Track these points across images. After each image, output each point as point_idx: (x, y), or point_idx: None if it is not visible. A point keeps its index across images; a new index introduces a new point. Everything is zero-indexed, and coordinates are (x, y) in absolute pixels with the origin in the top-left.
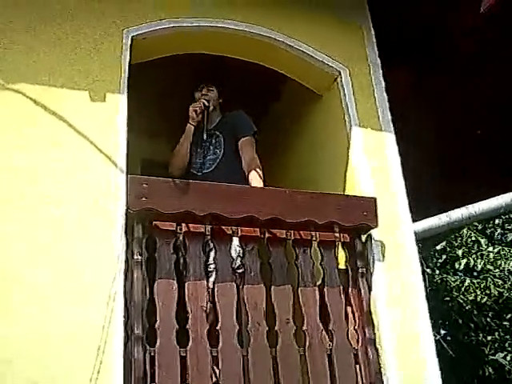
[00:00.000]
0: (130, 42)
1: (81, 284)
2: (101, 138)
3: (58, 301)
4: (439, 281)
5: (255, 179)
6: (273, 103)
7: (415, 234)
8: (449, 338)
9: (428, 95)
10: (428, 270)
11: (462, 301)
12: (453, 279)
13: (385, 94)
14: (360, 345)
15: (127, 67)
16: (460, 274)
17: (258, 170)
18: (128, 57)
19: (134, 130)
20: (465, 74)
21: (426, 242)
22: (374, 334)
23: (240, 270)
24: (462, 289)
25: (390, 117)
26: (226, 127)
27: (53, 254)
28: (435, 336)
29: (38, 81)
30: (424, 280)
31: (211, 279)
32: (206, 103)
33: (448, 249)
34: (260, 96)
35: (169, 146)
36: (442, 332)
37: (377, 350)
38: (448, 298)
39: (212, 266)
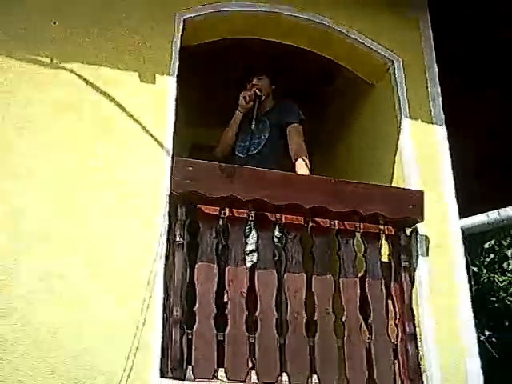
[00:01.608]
0: (181, 25)
1: (122, 264)
2: (149, 119)
3: (99, 280)
4: (486, 280)
5: (302, 167)
6: (324, 91)
7: (462, 230)
8: (494, 340)
9: (482, 105)
10: (474, 269)
11: (509, 302)
12: (500, 279)
13: (438, 87)
14: (399, 340)
15: (178, 50)
16: (508, 274)
17: (304, 157)
18: (179, 39)
19: (184, 115)
20: None
21: (473, 240)
22: (415, 329)
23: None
24: (510, 290)
25: (442, 109)
26: (274, 114)
27: (95, 234)
28: (479, 336)
29: (89, 61)
30: (469, 278)
31: (248, 264)
32: (259, 92)
33: (496, 248)
34: (312, 84)
35: (218, 131)
36: (487, 333)
37: (417, 346)
38: (494, 299)
39: (249, 249)
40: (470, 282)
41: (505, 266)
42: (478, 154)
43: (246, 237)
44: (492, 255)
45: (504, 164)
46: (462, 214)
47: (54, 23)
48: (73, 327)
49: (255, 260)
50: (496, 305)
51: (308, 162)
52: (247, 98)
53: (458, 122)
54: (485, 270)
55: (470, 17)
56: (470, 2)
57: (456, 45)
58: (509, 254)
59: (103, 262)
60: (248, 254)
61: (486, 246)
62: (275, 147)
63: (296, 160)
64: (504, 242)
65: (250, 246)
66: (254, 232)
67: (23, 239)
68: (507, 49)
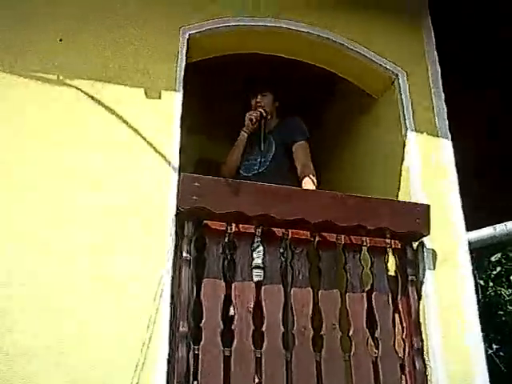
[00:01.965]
0: (186, 40)
1: (128, 280)
2: (155, 135)
3: (105, 294)
4: (492, 293)
5: (309, 185)
6: (327, 105)
7: (469, 243)
8: (501, 354)
9: (482, 105)
10: (481, 282)
11: None
12: (507, 293)
13: (443, 99)
14: (407, 354)
15: (183, 65)
16: None
17: (311, 176)
18: (184, 55)
19: (189, 129)
20: None
21: (480, 253)
22: (422, 344)
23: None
24: None
25: (447, 122)
26: (280, 132)
27: (102, 249)
28: (487, 350)
29: (94, 77)
30: (476, 292)
31: (256, 279)
32: (264, 113)
33: (503, 261)
34: (314, 98)
35: (223, 145)
36: (494, 347)
37: (424, 360)
38: (501, 312)
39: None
40: (477, 295)
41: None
42: (478, 154)
43: (252, 252)
44: (499, 268)
45: (504, 164)
46: (470, 226)
47: (60, 40)
48: (79, 344)
49: (261, 277)
50: (503, 318)
51: (315, 180)
52: (253, 120)
53: (459, 122)
54: (491, 284)
55: (470, 17)
56: (470, 3)
57: (456, 45)
58: None
59: (110, 278)
60: (254, 269)
61: (493, 259)
62: (281, 165)
63: (303, 178)
64: (511, 255)
65: (256, 262)
66: (260, 248)
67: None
68: (507, 49)
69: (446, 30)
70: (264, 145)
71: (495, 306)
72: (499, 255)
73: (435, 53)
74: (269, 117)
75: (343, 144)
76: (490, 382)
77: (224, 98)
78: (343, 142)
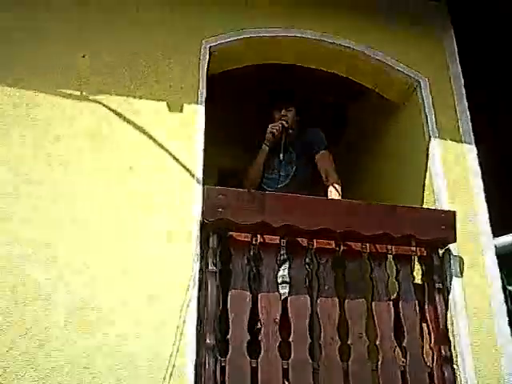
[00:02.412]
0: (208, 53)
1: (155, 292)
2: (178, 148)
3: (132, 308)
4: None
5: (334, 194)
6: (349, 114)
7: (496, 249)
8: None
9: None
10: (510, 288)
11: None
12: None
13: (466, 105)
14: (435, 363)
15: (205, 77)
16: None
17: (336, 185)
18: (206, 67)
19: (211, 140)
20: None
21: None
22: (451, 352)
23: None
24: None
25: (471, 128)
26: (300, 144)
27: (130, 262)
28: None
29: (118, 92)
30: (505, 298)
31: (281, 291)
32: (286, 124)
33: None
34: (336, 107)
35: (245, 155)
36: None
37: (453, 369)
38: None
39: (281, 279)
40: (506, 301)
41: None
42: (504, 159)
43: (279, 266)
44: None
45: None
46: (497, 232)
47: (83, 56)
48: (107, 357)
49: (287, 293)
50: None
51: (340, 189)
52: (276, 133)
53: (484, 136)
54: None
55: (493, 30)
56: (494, 15)
57: (480, 58)
58: None
59: (137, 290)
60: (281, 284)
61: None
62: (304, 178)
63: (328, 187)
64: None
65: (282, 278)
66: (286, 263)
67: (58, 269)
68: None
69: (470, 42)
70: (285, 156)
71: None
72: None
73: (458, 60)
74: (290, 131)
75: (366, 153)
76: None
77: (246, 108)
78: (366, 150)
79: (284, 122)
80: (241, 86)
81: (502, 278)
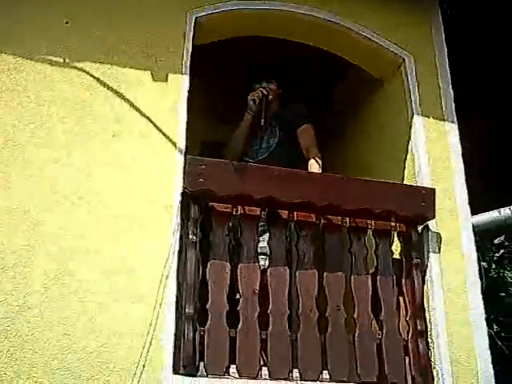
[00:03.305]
0: (193, 24)
1: (135, 261)
2: (161, 118)
3: (111, 278)
4: (495, 276)
5: (314, 167)
6: (333, 89)
7: (473, 227)
8: (503, 335)
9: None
10: (484, 264)
11: None
12: (510, 275)
13: (450, 83)
14: (410, 336)
15: (190, 49)
16: None
17: (317, 158)
18: (191, 38)
19: (194, 112)
20: None
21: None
22: (426, 326)
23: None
24: None
25: (453, 107)
26: (283, 118)
27: (107, 232)
28: (489, 332)
29: (101, 60)
30: (480, 274)
31: (262, 262)
32: (265, 92)
33: (507, 243)
34: (320, 82)
35: (228, 128)
36: (496, 328)
37: (427, 342)
38: (503, 294)
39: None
40: (480, 278)
41: None
42: (484, 137)
43: (260, 236)
44: (502, 250)
45: (510, 148)
46: (474, 210)
47: (67, 23)
48: (86, 325)
49: (266, 265)
50: (506, 300)
51: (320, 163)
52: (256, 100)
53: (467, 115)
54: (494, 266)
55: (481, 10)
56: None
57: (466, 38)
58: None
59: (115, 260)
60: (260, 255)
61: (496, 241)
62: (285, 151)
63: (308, 160)
64: None
65: (262, 248)
66: (265, 234)
67: (39, 239)
68: None
69: (457, 21)
70: (267, 130)
71: (498, 289)
72: (502, 238)
73: (443, 38)
74: (270, 97)
75: (349, 127)
76: (492, 363)
77: (230, 81)
78: (349, 125)
79: (263, 90)
80: (225, 59)
81: (477, 255)
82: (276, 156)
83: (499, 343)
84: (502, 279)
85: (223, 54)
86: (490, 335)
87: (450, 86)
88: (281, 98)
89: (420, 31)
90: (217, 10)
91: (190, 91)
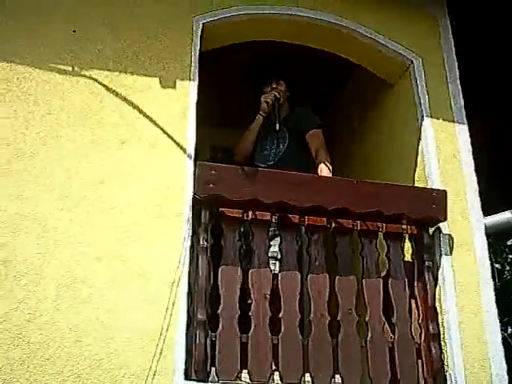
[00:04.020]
0: (200, 29)
1: (147, 267)
2: (170, 125)
3: (124, 283)
4: (509, 277)
5: (324, 171)
6: (342, 92)
7: (486, 228)
8: None
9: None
10: (497, 266)
11: None
12: None
13: (459, 84)
14: (423, 339)
15: (198, 54)
16: None
17: (327, 163)
18: (198, 44)
19: (203, 117)
20: None
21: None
22: (438, 329)
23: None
24: None
25: (463, 108)
26: (292, 122)
27: (120, 238)
28: (502, 334)
29: (109, 67)
30: (493, 276)
31: (272, 267)
32: (278, 95)
33: None
34: (329, 84)
35: (237, 133)
36: (510, 330)
37: (440, 345)
38: None
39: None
40: (493, 279)
41: None
42: (495, 139)
43: (270, 240)
44: None
45: None
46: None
47: (74, 32)
48: (98, 330)
49: (277, 269)
50: None
51: (330, 167)
52: (269, 102)
53: (477, 116)
54: (507, 267)
55: (489, 11)
56: None
57: (474, 39)
58: None
59: (128, 266)
60: (271, 259)
61: (509, 242)
62: (295, 156)
63: (318, 164)
64: None
65: (273, 253)
66: (276, 238)
67: (50, 247)
68: None
69: (465, 23)
70: (279, 130)
71: (510, 290)
72: None
73: (451, 40)
74: (281, 100)
75: (359, 131)
76: (506, 365)
77: (236, 87)
78: (359, 128)
79: (276, 93)
80: (234, 63)
81: (490, 257)
82: (286, 161)
83: None
84: None
85: (230, 58)
86: (503, 338)
87: (459, 88)
88: (289, 101)
89: (428, 34)
90: (224, 16)
91: (198, 97)
